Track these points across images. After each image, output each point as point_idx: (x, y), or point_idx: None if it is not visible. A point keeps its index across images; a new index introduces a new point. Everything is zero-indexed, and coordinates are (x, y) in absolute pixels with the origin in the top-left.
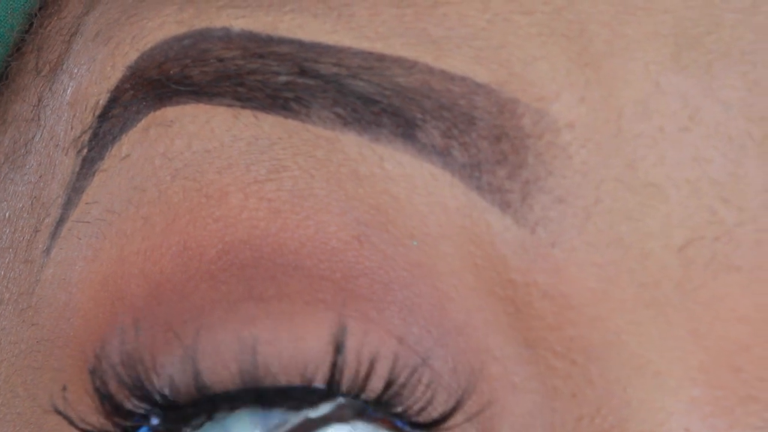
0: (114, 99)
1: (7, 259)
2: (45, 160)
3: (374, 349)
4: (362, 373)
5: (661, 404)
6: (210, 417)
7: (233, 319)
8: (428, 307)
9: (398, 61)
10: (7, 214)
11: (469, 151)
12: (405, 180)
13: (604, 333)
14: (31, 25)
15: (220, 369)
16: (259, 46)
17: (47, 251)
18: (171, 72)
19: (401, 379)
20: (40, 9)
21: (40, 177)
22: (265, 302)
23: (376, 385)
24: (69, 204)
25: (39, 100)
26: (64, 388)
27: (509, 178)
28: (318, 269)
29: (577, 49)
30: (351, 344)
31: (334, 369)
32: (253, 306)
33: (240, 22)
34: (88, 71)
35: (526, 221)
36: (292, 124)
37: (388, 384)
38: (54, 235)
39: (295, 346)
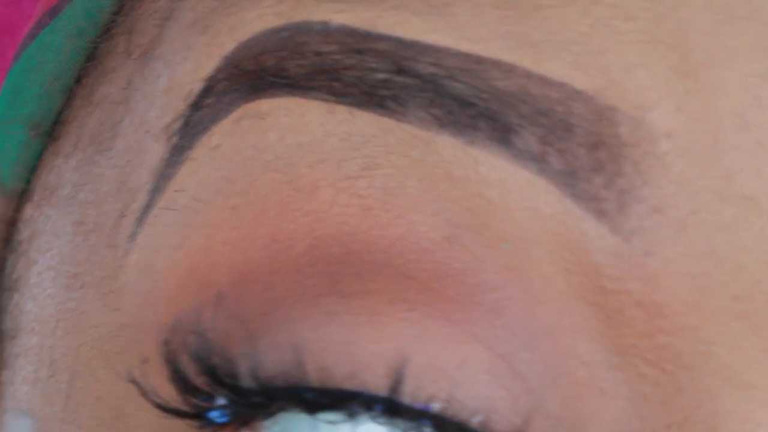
0: (208, 88)
1: (91, 243)
2: (133, 146)
3: (454, 355)
4: (434, 384)
5: (750, 416)
6: (282, 408)
7: (314, 314)
8: (516, 311)
9: (497, 65)
10: (92, 197)
11: (565, 158)
12: (499, 184)
13: (695, 343)
14: (122, 6)
15: (286, 364)
16: (357, 41)
17: (132, 237)
18: (267, 64)
19: (482, 387)
20: None
21: (128, 162)
22: (347, 298)
23: (446, 395)
24: (156, 190)
25: (128, 83)
26: (145, 360)
27: (606, 186)
28: (406, 268)
29: (677, 58)
30: (428, 351)
31: (401, 379)
32: (335, 300)
33: (339, 16)
34: (184, 59)
35: (622, 230)
36: (387, 122)
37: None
38: (140, 221)
39: (366, 349)
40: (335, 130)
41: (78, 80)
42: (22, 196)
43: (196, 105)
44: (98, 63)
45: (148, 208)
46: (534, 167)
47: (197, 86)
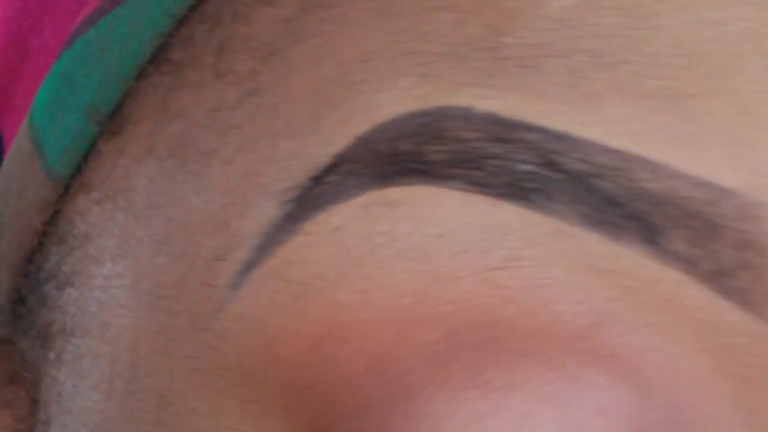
0: (334, 165)
1: (180, 270)
2: (238, 191)
3: None
4: None
5: None
6: None
7: (461, 414)
8: (661, 389)
9: (646, 164)
10: (179, 220)
11: (713, 259)
12: (646, 280)
13: None
14: (207, 14)
15: None
16: (503, 130)
17: (234, 286)
18: (403, 148)
19: None
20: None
21: (230, 204)
22: (495, 393)
23: None
24: (265, 251)
25: (218, 108)
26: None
27: (753, 282)
28: (552, 357)
29: None
30: None
31: None
32: (480, 399)
33: (484, 102)
34: (312, 131)
35: (766, 317)
36: (530, 214)
37: None
38: (244, 274)
39: None
40: (476, 221)
41: (143, 74)
42: (70, 183)
43: (319, 179)
44: (175, 68)
45: (253, 264)
46: (682, 267)
47: (324, 161)
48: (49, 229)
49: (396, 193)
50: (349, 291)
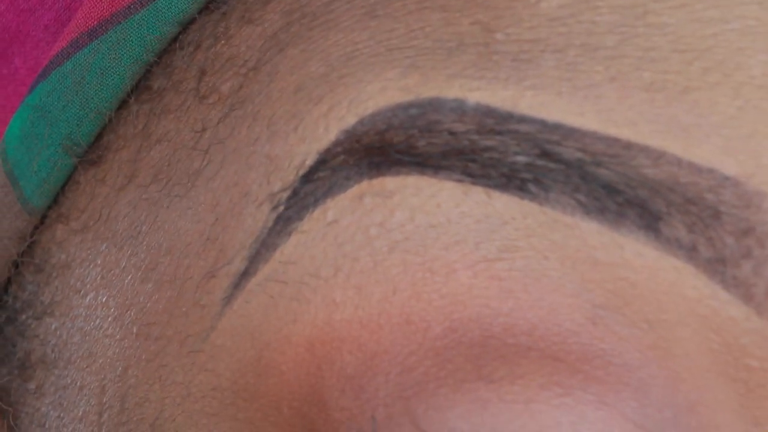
0: (322, 161)
1: (168, 295)
2: (225, 204)
3: None
4: None
5: None
6: None
7: (463, 401)
8: (661, 388)
9: (645, 151)
10: (165, 245)
11: (714, 246)
12: (645, 270)
13: None
14: (187, 41)
15: None
16: (497, 122)
17: (227, 300)
18: (394, 141)
19: None
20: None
21: (217, 220)
22: (496, 384)
23: None
24: (258, 258)
25: (204, 128)
26: None
27: (754, 272)
28: (551, 351)
29: None
30: None
31: None
32: (484, 387)
33: (476, 94)
34: (294, 129)
35: None
36: (528, 205)
37: None
38: (237, 286)
39: None
40: (471, 211)
41: (123, 104)
42: (46, 214)
43: (308, 177)
44: (155, 95)
45: (246, 274)
46: (682, 255)
47: (311, 158)
48: (24, 259)
49: (389, 183)
50: (345, 287)
